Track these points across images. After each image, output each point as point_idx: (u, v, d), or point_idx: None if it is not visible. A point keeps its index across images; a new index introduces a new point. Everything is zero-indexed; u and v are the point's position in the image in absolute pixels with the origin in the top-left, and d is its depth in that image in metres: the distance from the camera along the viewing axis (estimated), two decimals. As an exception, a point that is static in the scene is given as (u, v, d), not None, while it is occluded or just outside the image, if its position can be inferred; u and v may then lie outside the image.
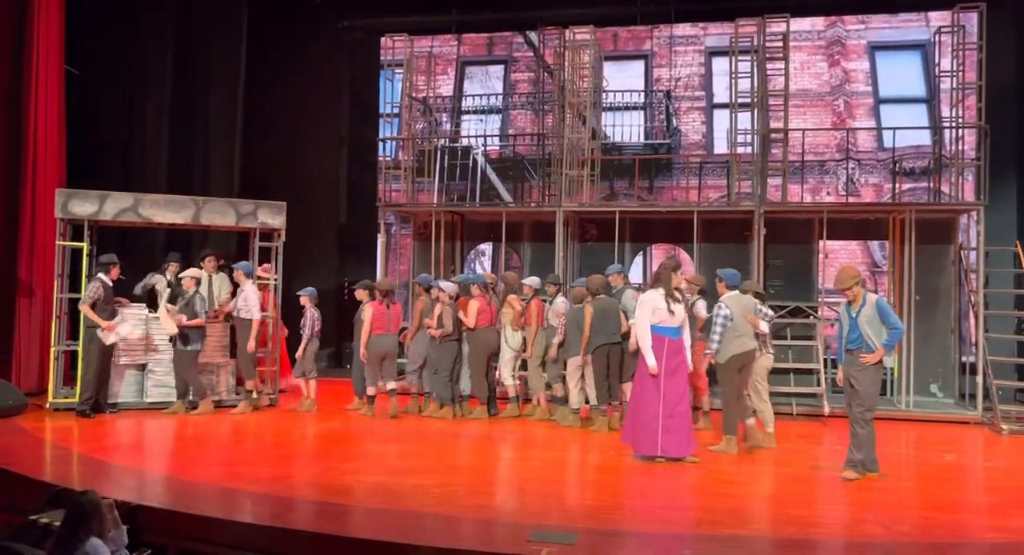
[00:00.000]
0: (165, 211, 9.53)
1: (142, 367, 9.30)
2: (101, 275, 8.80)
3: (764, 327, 7.67)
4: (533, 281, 9.25)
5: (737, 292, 7.62)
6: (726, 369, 7.47)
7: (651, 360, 6.92)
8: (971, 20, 10.54)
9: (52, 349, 9.15)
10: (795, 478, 6.76)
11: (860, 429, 6.49)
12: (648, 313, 6.99)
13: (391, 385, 9.31)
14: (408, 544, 4.71)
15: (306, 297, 9.62)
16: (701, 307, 8.55)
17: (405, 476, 6.50)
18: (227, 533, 5.12)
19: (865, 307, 6.41)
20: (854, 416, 6.52)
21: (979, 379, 9.48)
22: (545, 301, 9.25)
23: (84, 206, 9.19)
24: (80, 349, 8.91)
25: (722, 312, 7.40)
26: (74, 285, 9.39)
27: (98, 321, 8.64)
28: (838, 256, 11.46)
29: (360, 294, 9.59)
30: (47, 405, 8.98)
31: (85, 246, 9.27)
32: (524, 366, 9.43)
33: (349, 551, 4.80)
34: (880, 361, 6.44)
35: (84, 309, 8.69)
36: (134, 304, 9.49)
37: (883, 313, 6.40)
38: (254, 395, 9.42)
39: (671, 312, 6.99)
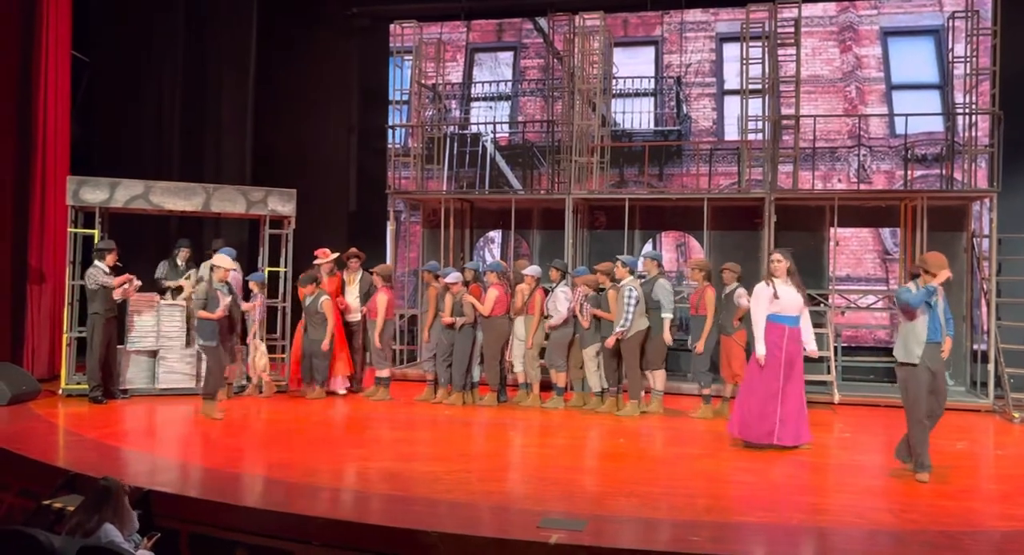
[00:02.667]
0: (175, 198, 9.56)
1: (153, 354, 9.35)
2: (97, 262, 8.83)
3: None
4: (534, 270, 9.14)
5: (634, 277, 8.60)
6: (631, 344, 8.45)
7: (761, 349, 6.97)
8: (985, 4, 10.44)
9: (64, 336, 9.21)
10: (805, 466, 6.76)
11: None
12: (762, 304, 7.03)
13: (384, 373, 9.59)
14: (419, 530, 4.73)
15: (255, 282, 9.42)
16: (743, 295, 8.35)
17: (415, 462, 6.53)
18: (238, 518, 5.15)
19: (940, 299, 6.27)
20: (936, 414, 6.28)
21: (991, 367, 9.44)
22: (547, 289, 9.21)
23: (95, 193, 9.23)
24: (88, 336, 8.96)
25: (633, 295, 8.35)
26: (86, 272, 9.44)
27: (119, 280, 8.78)
28: (849, 243, 11.41)
29: (310, 288, 9.37)
30: (60, 391, 9.07)
31: (96, 233, 9.31)
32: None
33: (360, 536, 4.83)
34: None
35: (105, 281, 8.74)
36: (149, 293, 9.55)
37: (947, 306, 6.37)
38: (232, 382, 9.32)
39: (776, 297, 6.95)
